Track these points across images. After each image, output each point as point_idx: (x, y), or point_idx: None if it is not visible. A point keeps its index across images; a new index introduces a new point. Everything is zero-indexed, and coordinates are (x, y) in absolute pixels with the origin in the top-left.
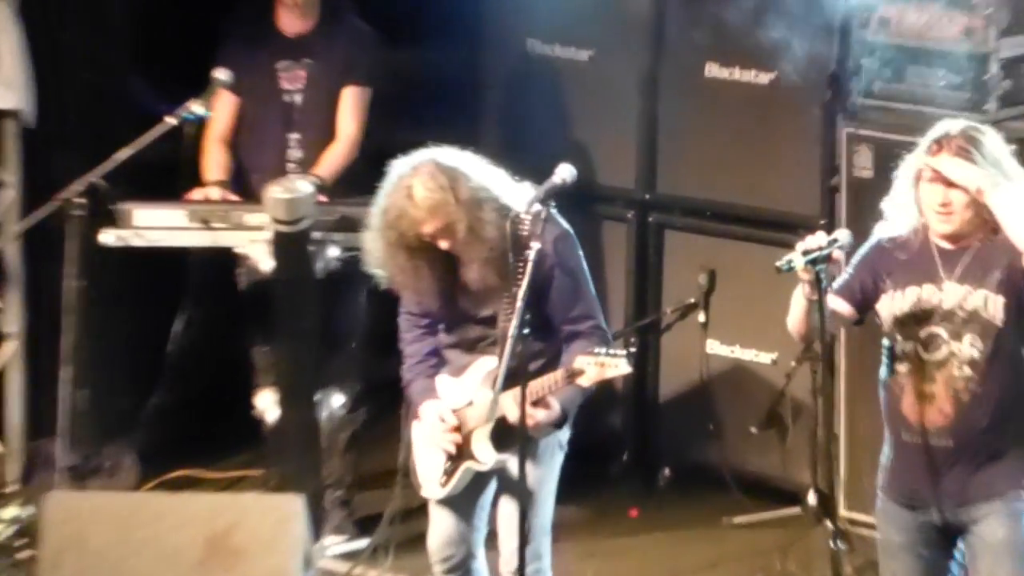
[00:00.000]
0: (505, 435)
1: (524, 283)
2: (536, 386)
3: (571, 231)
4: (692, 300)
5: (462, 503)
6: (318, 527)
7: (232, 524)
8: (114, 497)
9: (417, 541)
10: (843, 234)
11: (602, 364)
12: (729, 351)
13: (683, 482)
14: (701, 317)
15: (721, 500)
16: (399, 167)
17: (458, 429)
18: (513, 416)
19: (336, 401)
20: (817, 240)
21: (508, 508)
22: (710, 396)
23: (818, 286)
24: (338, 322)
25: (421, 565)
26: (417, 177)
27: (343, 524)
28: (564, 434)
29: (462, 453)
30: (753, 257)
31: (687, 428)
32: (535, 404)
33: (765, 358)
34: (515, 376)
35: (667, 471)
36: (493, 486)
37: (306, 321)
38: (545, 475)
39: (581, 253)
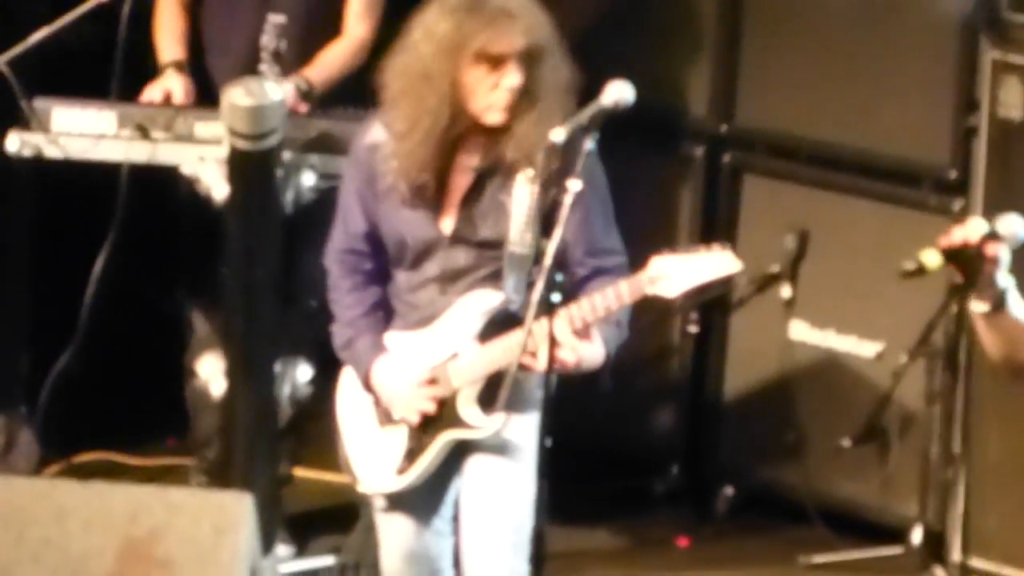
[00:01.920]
0: (492, 394)
1: (556, 233)
2: (584, 309)
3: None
4: (775, 269)
5: (421, 501)
6: (269, 535)
7: (157, 527)
8: (4, 483)
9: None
10: (1012, 222)
11: (704, 262)
12: (820, 338)
13: (749, 507)
14: (786, 291)
15: (798, 533)
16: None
17: (434, 385)
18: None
19: (302, 374)
20: (966, 232)
21: (482, 502)
22: (791, 396)
23: (963, 293)
24: (304, 271)
25: None
26: None
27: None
28: (543, 388)
29: (440, 421)
30: (859, 216)
31: (757, 437)
32: (576, 334)
33: (868, 349)
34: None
35: (729, 491)
36: (454, 477)
37: (266, 268)
38: (529, 447)
39: None
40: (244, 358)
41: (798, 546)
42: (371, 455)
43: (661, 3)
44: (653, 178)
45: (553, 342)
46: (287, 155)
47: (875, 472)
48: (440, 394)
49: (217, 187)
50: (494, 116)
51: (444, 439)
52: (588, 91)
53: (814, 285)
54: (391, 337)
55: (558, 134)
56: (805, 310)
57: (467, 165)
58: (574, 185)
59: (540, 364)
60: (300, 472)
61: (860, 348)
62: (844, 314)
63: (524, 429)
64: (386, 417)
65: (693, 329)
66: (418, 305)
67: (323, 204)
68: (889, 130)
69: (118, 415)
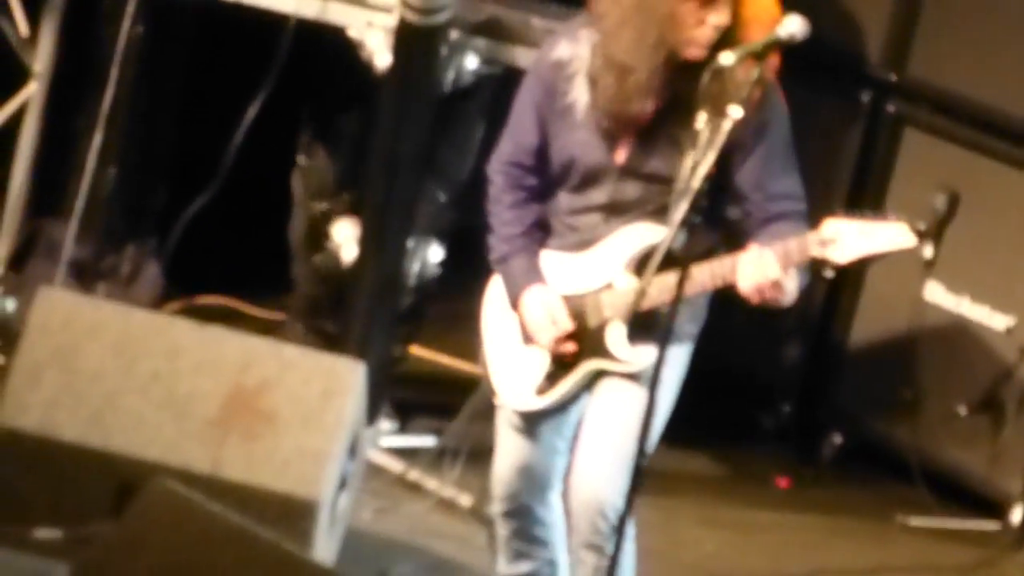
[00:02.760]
0: (645, 327)
1: (709, 156)
2: (780, 253)
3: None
4: (921, 226)
5: (548, 419)
6: (375, 408)
7: (267, 380)
8: (124, 312)
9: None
10: None
11: (880, 233)
12: (955, 302)
13: (854, 457)
14: (927, 251)
15: (898, 491)
16: None
17: (580, 325)
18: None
19: (433, 254)
20: None
21: (607, 431)
22: (915, 355)
23: None
24: (448, 155)
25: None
26: None
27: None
28: (697, 323)
29: (586, 349)
30: (1013, 186)
31: (875, 389)
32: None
33: (999, 321)
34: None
35: (837, 438)
36: (582, 402)
37: (413, 143)
38: (672, 383)
39: None
40: (379, 229)
41: (897, 505)
42: (512, 370)
43: None
44: (815, 118)
45: (762, 274)
46: (454, 34)
47: (985, 444)
48: (571, 347)
49: (380, 55)
50: (695, 51)
51: (589, 367)
52: None
53: (956, 249)
54: (547, 255)
55: (727, 57)
56: (943, 273)
57: (653, 94)
58: (735, 111)
59: (746, 284)
60: (415, 350)
61: (992, 319)
62: (981, 283)
63: (669, 362)
64: (529, 338)
65: (829, 273)
66: (579, 228)
67: (477, 91)
68: None
69: (246, 263)
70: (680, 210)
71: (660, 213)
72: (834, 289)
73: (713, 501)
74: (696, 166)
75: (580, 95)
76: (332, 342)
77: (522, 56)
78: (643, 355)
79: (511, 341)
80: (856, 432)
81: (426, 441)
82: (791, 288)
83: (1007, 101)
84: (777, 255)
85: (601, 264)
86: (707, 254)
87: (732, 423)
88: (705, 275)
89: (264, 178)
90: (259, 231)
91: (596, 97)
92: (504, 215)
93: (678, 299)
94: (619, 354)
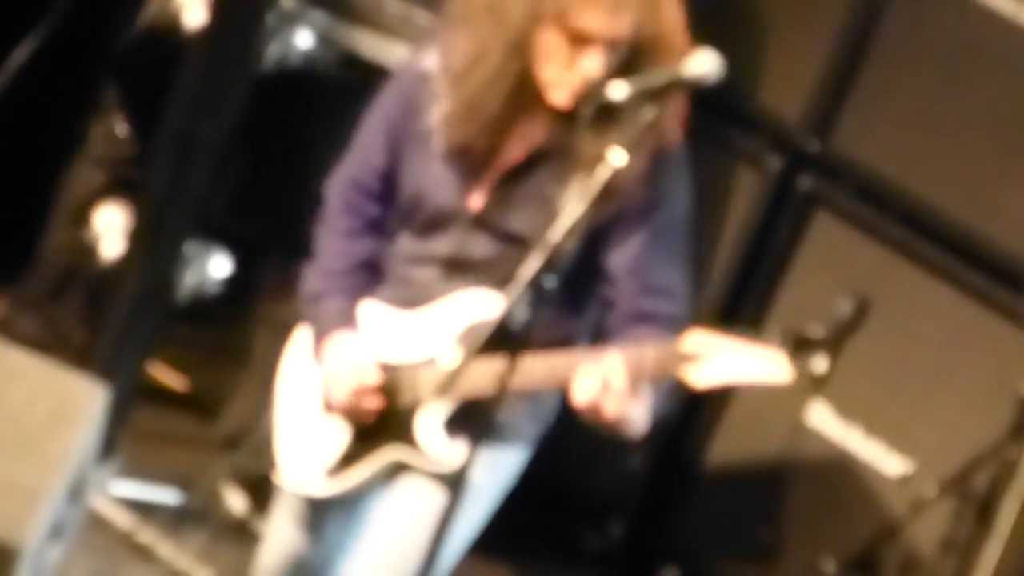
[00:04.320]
0: (466, 420)
1: (576, 207)
2: (631, 360)
3: (690, 169)
4: (816, 333)
5: (337, 511)
6: (110, 444)
7: None
8: None
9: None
10: None
11: (752, 359)
12: (842, 433)
13: None
14: (820, 365)
15: None
16: None
17: (388, 396)
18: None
19: (217, 267)
20: None
21: (395, 537)
22: (783, 489)
23: None
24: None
25: (248, 566)
26: None
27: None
28: (539, 424)
29: (390, 431)
30: (937, 303)
31: (727, 523)
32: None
33: (893, 465)
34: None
35: (671, 574)
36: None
37: (214, 122)
38: (488, 493)
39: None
40: (154, 223)
41: None
42: (302, 444)
43: None
44: (712, 176)
45: (604, 383)
46: (287, 1)
47: None
48: (378, 404)
49: (192, 10)
50: (559, 96)
51: (390, 455)
52: None
53: (856, 367)
54: (370, 306)
55: (619, 90)
56: (835, 394)
57: (524, 137)
58: (616, 157)
59: (582, 397)
60: (162, 374)
61: (884, 462)
62: (879, 414)
63: (491, 467)
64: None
65: None
66: (413, 282)
67: (312, 75)
68: (1008, 217)
69: None
70: (527, 271)
71: (511, 282)
72: (696, 393)
73: None
74: (571, 246)
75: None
76: (62, 346)
77: (365, 42)
78: (455, 453)
79: (308, 407)
80: (695, 571)
81: (167, 496)
82: (637, 416)
83: (941, 197)
84: (627, 362)
85: (428, 331)
86: (561, 343)
87: (549, 539)
88: (539, 369)
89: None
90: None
91: (441, 122)
92: (331, 243)
93: (502, 391)
94: (427, 446)
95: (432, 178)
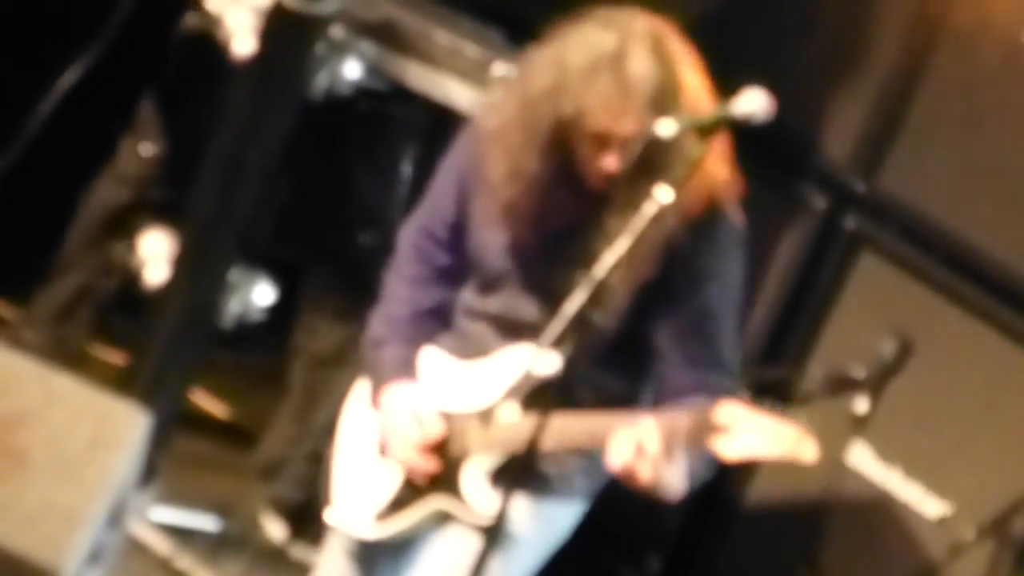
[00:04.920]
0: (509, 475)
1: (622, 242)
2: (664, 426)
3: (743, 225)
4: (859, 373)
5: (388, 554)
6: (151, 470)
7: (25, 412)
8: None
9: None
10: None
11: (781, 437)
12: (882, 474)
13: None
14: (861, 406)
15: None
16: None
17: (440, 447)
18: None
19: (261, 295)
20: None
21: None
22: (822, 528)
23: None
24: (360, 197)
25: None
26: (637, 43)
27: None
28: (593, 480)
29: (437, 482)
30: (981, 347)
31: (766, 560)
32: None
33: (932, 507)
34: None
35: None
36: (424, 543)
37: (262, 150)
38: (533, 548)
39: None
40: (200, 248)
41: None
42: (356, 485)
43: (835, 16)
44: (758, 215)
45: (638, 448)
46: (337, 31)
47: None
48: (433, 464)
49: (241, 38)
50: (592, 181)
51: (435, 504)
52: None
53: (897, 409)
54: (431, 353)
55: (667, 127)
56: (876, 435)
57: (579, 191)
58: (662, 193)
59: (616, 460)
60: (203, 399)
61: (923, 503)
62: (919, 455)
63: (539, 520)
64: (387, 448)
65: None
66: (468, 335)
67: (362, 111)
68: None
69: (20, 263)
70: (572, 306)
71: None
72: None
73: None
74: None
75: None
76: (69, 362)
77: (414, 74)
78: (496, 505)
79: (364, 451)
80: None
81: (206, 522)
82: (673, 479)
83: (987, 240)
84: (661, 428)
85: (481, 384)
86: (617, 407)
87: (583, 571)
88: (577, 429)
89: (63, 159)
90: (43, 225)
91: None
92: (398, 290)
93: (536, 447)
94: (471, 498)
95: (488, 237)
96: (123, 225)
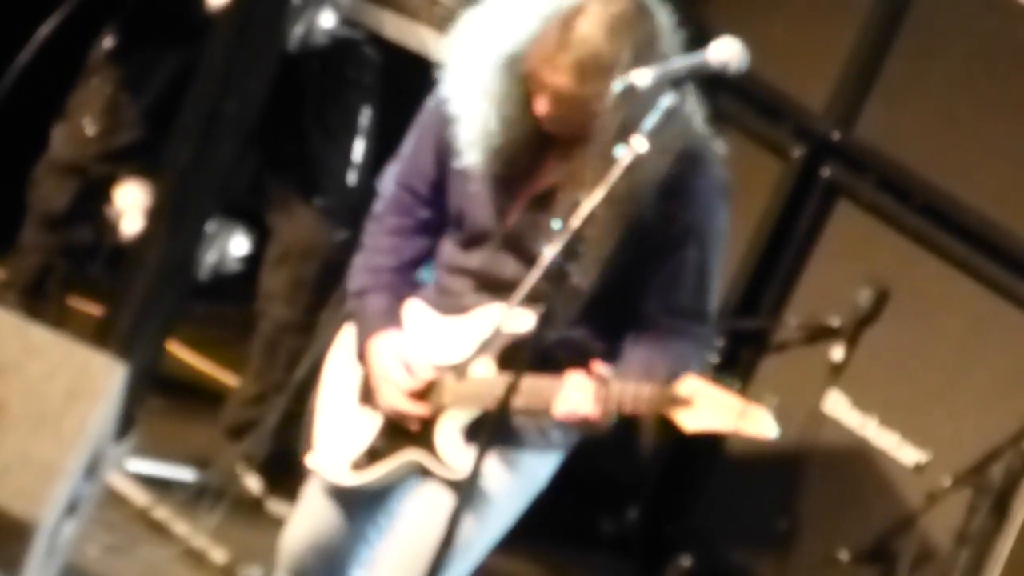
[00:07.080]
0: (483, 431)
1: (597, 192)
2: (628, 396)
3: (727, 177)
4: (834, 322)
5: (365, 502)
6: (127, 422)
7: (2, 363)
8: None
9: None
10: None
11: (740, 413)
12: (858, 422)
13: None
14: (837, 353)
15: None
16: None
17: (425, 394)
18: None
19: (237, 245)
20: None
21: (405, 543)
22: (799, 477)
23: None
24: (319, 161)
25: (261, 546)
26: (599, 9)
27: None
28: (569, 431)
29: (411, 435)
30: (956, 294)
31: (743, 510)
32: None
33: (909, 455)
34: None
35: (687, 561)
36: (403, 495)
37: (241, 101)
38: (510, 501)
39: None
40: (177, 201)
41: None
42: (335, 432)
43: None
44: (735, 163)
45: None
46: None
47: None
48: (424, 408)
49: None
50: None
51: (409, 456)
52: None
53: (873, 357)
54: (415, 306)
55: (642, 77)
56: (852, 383)
57: (561, 151)
58: (638, 143)
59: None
60: (178, 350)
61: (900, 451)
62: (895, 403)
63: (515, 471)
64: (367, 396)
65: (712, 358)
66: (448, 290)
67: (338, 59)
68: None
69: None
70: (547, 256)
71: (537, 303)
72: (717, 376)
73: None
74: (597, 267)
75: None
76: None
77: (390, 25)
78: (469, 461)
79: (346, 396)
80: (710, 559)
81: (184, 474)
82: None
83: (963, 189)
84: (623, 396)
85: (460, 339)
86: (588, 362)
87: (563, 523)
88: (546, 390)
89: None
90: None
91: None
92: (380, 240)
93: (504, 404)
94: (445, 453)
95: (472, 196)
96: (80, 209)
